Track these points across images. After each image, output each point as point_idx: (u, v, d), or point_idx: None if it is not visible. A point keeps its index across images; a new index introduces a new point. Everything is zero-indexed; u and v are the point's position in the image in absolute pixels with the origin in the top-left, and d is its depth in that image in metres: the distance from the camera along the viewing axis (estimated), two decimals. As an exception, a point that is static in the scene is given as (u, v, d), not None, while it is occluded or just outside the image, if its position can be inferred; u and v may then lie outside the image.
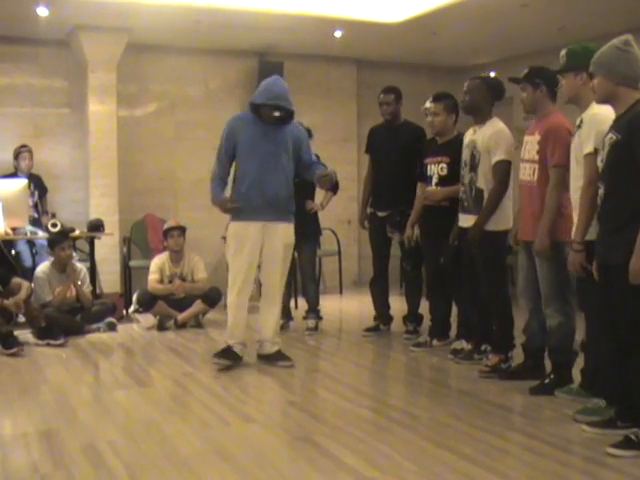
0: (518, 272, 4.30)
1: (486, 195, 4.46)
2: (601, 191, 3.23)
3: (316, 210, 6.00)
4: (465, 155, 4.63)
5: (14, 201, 6.12)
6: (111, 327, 6.07)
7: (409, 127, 5.67)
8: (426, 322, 5.53)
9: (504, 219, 4.44)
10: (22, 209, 6.23)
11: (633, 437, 3.09)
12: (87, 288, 6.18)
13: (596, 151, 3.38)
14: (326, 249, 8.00)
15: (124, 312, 6.61)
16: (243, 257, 4.67)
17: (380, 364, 5.32)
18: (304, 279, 6.09)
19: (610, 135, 3.17)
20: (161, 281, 6.36)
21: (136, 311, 6.67)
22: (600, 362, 3.55)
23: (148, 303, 6.32)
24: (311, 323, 5.99)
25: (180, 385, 4.50)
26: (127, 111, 7.71)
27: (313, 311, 6.05)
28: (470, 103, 4.58)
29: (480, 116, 4.57)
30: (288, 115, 4.66)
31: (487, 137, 4.46)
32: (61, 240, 6.03)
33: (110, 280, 7.19)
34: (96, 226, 6.62)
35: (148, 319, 6.35)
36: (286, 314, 6.00)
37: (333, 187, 6.02)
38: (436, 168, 5.01)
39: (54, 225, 6.28)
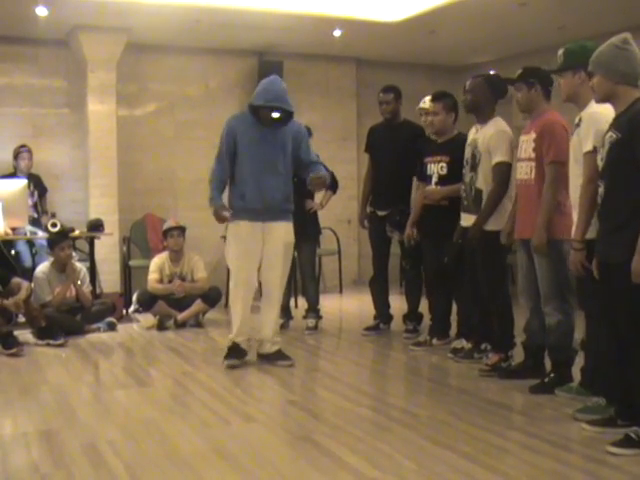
0: (518, 271, 4.30)
1: (485, 195, 4.46)
2: (601, 189, 3.23)
3: (316, 209, 6.00)
4: (467, 154, 4.62)
5: (14, 201, 6.12)
6: (111, 327, 6.07)
7: (409, 126, 5.67)
8: (426, 321, 5.53)
9: (504, 219, 4.43)
10: (22, 209, 6.23)
11: (633, 435, 3.09)
12: (87, 288, 6.18)
13: (595, 149, 3.38)
14: (326, 248, 8.01)
15: (124, 312, 6.61)
16: (244, 257, 4.67)
17: (380, 363, 5.33)
18: (304, 278, 6.09)
19: (610, 133, 3.17)
20: (161, 281, 6.37)
21: (136, 311, 6.67)
22: (600, 361, 3.55)
23: (148, 303, 6.32)
24: (311, 322, 5.99)
25: (180, 384, 4.50)
26: (127, 111, 7.71)
27: (313, 310, 6.05)
28: (472, 102, 4.58)
29: (482, 115, 4.56)
30: (287, 116, 4.66)
31: (488, 137, 4.46)
32: (61, 240, 6.03)
33: (110, 280, 7.19)
34: (96, 226, 6.62)
35: (148, 319, 6.35)
36: (286, 313, 6.00)
37: (332, 186, 6.04)
38: (436, 167, 5.01)
39: (54, 225, 6.28)
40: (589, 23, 6.52)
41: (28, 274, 6.09)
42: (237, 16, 6.64)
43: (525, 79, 4.08)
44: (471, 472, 2.94)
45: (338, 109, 8.65)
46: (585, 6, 6.29)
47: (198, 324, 6.27)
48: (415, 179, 5.41)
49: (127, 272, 7.23)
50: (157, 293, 6.30)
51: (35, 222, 6.66)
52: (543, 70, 4.04)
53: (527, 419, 3.71)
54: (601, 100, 3.31)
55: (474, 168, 4.53)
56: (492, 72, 5.98)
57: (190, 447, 3.29)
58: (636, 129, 3.06)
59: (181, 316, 6.20)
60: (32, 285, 5.76)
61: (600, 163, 3.25)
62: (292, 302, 6.45)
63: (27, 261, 6.56)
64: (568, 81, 3.70)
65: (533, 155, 4.02)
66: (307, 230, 5.83)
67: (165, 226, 6.57)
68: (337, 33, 7.31)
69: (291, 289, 6.26)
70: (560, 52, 3.73)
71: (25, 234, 6.34)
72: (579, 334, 3.99)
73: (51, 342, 5.46)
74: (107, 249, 7.08)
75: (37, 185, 7.00)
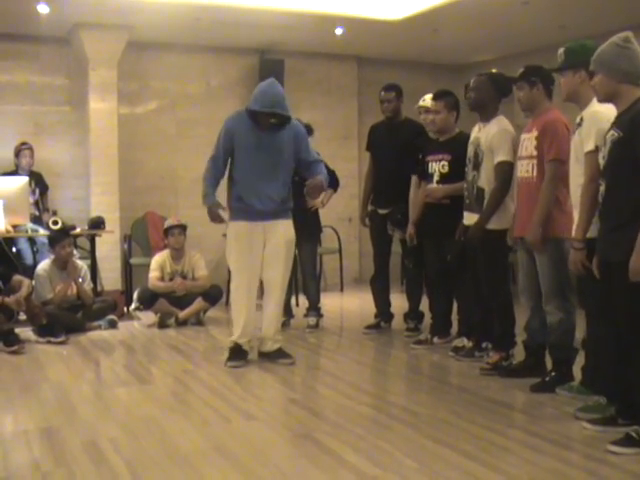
0: (518, 270, 4.30)
1: (487, 194, 4.46)
2: (602, 188, 3.22)
3: (317, 208, 6.00)
4: (469, 152, 4.61)
5: (15, 199, 6.13)
6: (112, 324, 6.07)
7: (410, 124, 5.66)
8: (427, 320, 5.53)
9: (506, 218, 4.43)
10: (23, 207, 6.24)
11: (634, 434, 3.08)
12: (88, 286, 6.18)
13: (597, 149, 3.38)
14: (327, 247, 8.01)
15: (125, 310, 6.61)
16: (245, 257, 4.67)
17: (381, 361, 5.33)
18: (305, 277, 6.09)
19: (612, 132, 3.16)
20: (162, 279, 6.37)
21: (137, 309, 6.67)
22: (600, 360, 3.55)
23: (149, 301, 6.33)
24: (312, 321, 5.99)
25: (181, 382, 4.50)
26: (128, 109, 7.71)
27: (314, 309, 6.05)
28: (476, 100, 4.56)
29: (485, 113, 4.55)
30: (284, 121, 4.63)
31: (491, 136, 4.45)
32: (61, 238, 6.03)
33: (111, 278, 7.20)
34: (97, 224, 6.62)
35: (149, 316, 6.35)
36: (287, 311, 6.00)
37: (334, 184, 6.04)
38: (437, 166, 5.01)
39: (55, 223, 6.29)
40: (590, 22, 6.51)
41: (29, 272, 6.09)
42: (238, 14, 6.64)
43: (527, 78, 4.08)
44: (472, 470, 2.94)
45: (339, 107, 8.65)
46: (586, 5, 6.29)
47: (199, 322, 6.27)
48: (413, 177, 5.39)
49: (128, 270, 7.23)
50: (158, 291, 6.30)
51: (36, 220, 6.67)
52: (545, 69, 4.04)
53: (528, 418, 3.71)
54: (603, 99, 3.31)
55: (476, 167, 4.52)
56: (494, 71, 5.97)
57: (191, 445, 3.29)
58: (638, 128, 3.05)
59: (182, 314, 6.20)
60: (33, 283, 5.77)
61: (601, 162, 3.24)
62: (293, 300, 6.45)
63: (28, 259, 6.56)
64: (568, 80, 3.70)
65: (535, 153, 4.02)
66: (308, 228, 5.83)
67: (166, 224, 6.57)
68: (339, 31, 7.31)
69: (292, 287, 6.26)
70: (560, 51, 3.73)
71: (26, 232, 6.34)
72: (580, 333, 3.99)
73: (52, 340, 5.46)
74: (108, 247, 7.09)
75: (38, 183, 7.00)
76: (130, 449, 3.24)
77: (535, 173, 4.02)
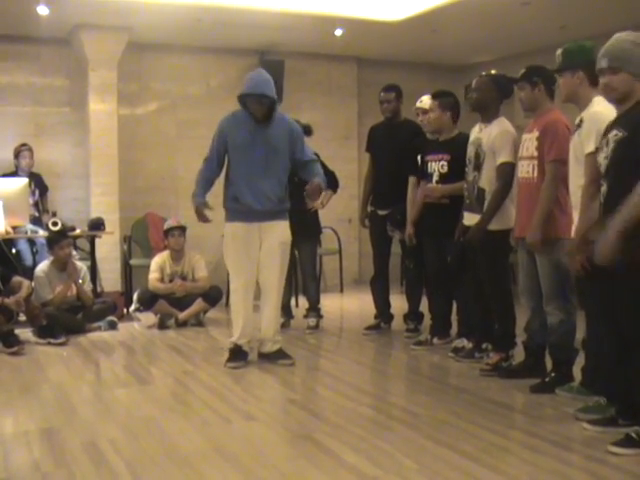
0: (519, 270, 4.30)
1: (488, 195, 4.46)
2: (604, 188, 3.19)
3: (316, 208, 6.00)
4: (470, 153, 4.61)
5: (15, 200, 6.13)
6: (112, 326, 6.07)
7: (409, 125, 5.67)
8: (427, 320, 5.53)
9: (506, 218, 4.43)
10: (23, 208, 6.24)
11: (634, 435, 3.08)
12: (87, 287, 6.18)
13: (597, 150, 3.37)
14: (327, 247, 8.01)
15: (125, 311, 6.61)
16: (242, 259, 4.68)
17: (381, 362, 5.33)
18: (305, 277, 6.09)
19: (615, 132, 3.13)
20: (162, 280, 6.37)
21: (137, 310, 6.67)
22: (600, 360, 3.55)
23: (149, 302, 6.33)
24: (312, 321, 5.99)
25: (181, 383, 4.50)
26: (128, 110, 7.71)
27: (314, 309, 6.05)
28: (477, 101, 4.57)
29: (487, 114, 4.55)
30: (270, 103, 4.60)
31: (493, 137, 4.45)
32: (60, 239, 6.02)
33: (111, 279, 7.19)
34: (97, 225, 6.62)
35: (149, 318, 6.35)
36: (287, 312, 6.01)
37: (333, 185, 6.04)
38: (437, 166, 5.01)
39: (55, 224, 6.29)
40: (591, 22, 6.51)
41: (29, 273, 6.09)
42: (238, 15, 6.64)
43: (529, 78, 4.07)
44: (472, 471, 2.94)
45: (339, 108, 8.65)
46: (587, 5, 6.29)
47: (199, 323, 6.27)
48: (410, 177, 5.38)
49: (128, 271, 7.23)
50: (158, 292, 6.30)
51: (36, 221, 6.67)
52: (547, 69, 4.02)
53: (528, 418, 3.71)
54: (621, 98, 3.20)
55: (477, 167, 4.52)
56: (493, 72, 5.97)
57: (190, 445, 3.29)
58: None
59: (182, 315, 6.20)
60: (33, 284, 5.77)
61: (604, 162, 3.22)
62: (293, 301, 6.45)
63: (28, 260, 6.55)
64: (567, 81, 3.69)
65: (535, 154, 4.01)
66: (308, 229, 5.84)
67: (166, 226, 6.57)
68: (338, 32, 7.31)
69: (292, 288, 6.26)
70: (559, 52, 3.72)
71: (26, 233, 6.34)
72: (580, 334, 3.99)
73: (52, 341, 5.46)
74: (108, 248, 7.09)
75: (38, 184, 7.00)
76: (130, 450, 3.24)
77: (536, 174, 4.02)
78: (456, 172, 4.81)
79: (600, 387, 3.58)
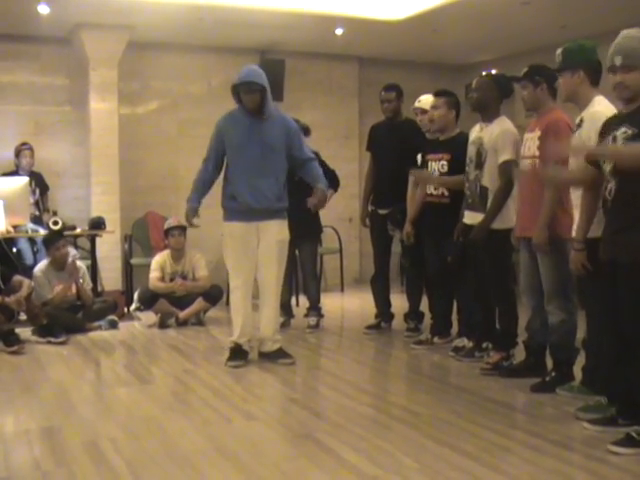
0: (520, 270, 4.29)
1: (491, 193, 4.45)
2: (611, 185, 3.14)
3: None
4: (470, 152, 4.61)
5: (15, 199, 6.13)
6: (112, 325, 6.07)
7: (410, 124, 5.66)
8: (427, 320, 5.53)
9: (509, 217, 4.42)
10: (23, 207, 6.24)
11: (634, 435, 3.08)
12: (87, 285, 6.18)
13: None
14: (327, 247, 8.01)
15: (125, 310, 6.61)
16: (241, 258, 4.68)
17: (381, 362, 5.33)
18: (305, 277, 6.09)
19: (624, 129, 3.10)
20: (162, 279, 6.37)
21: (137, 309, 6.66)
22: (601, 359, 3.55)
23: (149, 301, 6.33)
24: (312, 321, 5.99)
25: (181, 382, 4.50)
26: (129, 109, 7.71)
27: (314, 309, 6.05)
28: (478, 100, 4.56)
29: (488, 114, 4.54)
30: (261, 91, 4.60)
31: (494, 136, 4.45)
32: (55, 240, 6.01)
33: (111, 278, 7.19)
34: (97, 224, 6.62)
35: (149, 317, 6.35)
36: (287, 312, 6.01)
37: (334, 184, 6.04)
38: (437, 165, 5.01)
39: (55, 223, 6.29)
40: (591, 22, 6.51)
41: (29, 272, 6.08)
42: (239, 14, 6.64)
43: (531, 77, 4.06)
44: (472, 470, 2.94)
45: (340, 107, 8.65)
46: (587, 5, 6.28)
47: (199, 322, 6.27)
48: (410, 177, 5.38)
49: (129, 270, 7.23)
50: (158, 291, 6.30)
51: (37, 220, 6.67)
52: (549, 68, 4.01)
53: (528, 418, 3.72)
54: (633, 96, 3.16)
55: (479, 166, 4.51)
56: (494, 71, 5.97)
57: (191, 445, 3.29)
58: None
59: (182, 314, 6.20)
60: (32, 283, 5.77)
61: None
62: (293, 300, 6.45)
63: (29, 259, 6.55)
64: (567, 81, 3.68)
65: (537, 153, 4.00)
66: (308, 228, 5.84)
67: (166, 225, 6.57)
68: (339, 31, 7.31)
69: (292, 287, 6.26)
70: (558, 52, 3.71)
71: (26, 232, 6.34)
72: (580, 333, 3.99)
73: (52, 340, 5.46)
74: (109, 247, 7.09)
75: (39, 183, 7.00)
76: (130, 449, 3.25)
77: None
78: (456, 171, 4.80)
79: (600, 386, 3.58)
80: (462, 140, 4.81)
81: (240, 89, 4.62)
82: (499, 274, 4.49)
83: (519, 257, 4.28)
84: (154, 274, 6.35)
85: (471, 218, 4.58)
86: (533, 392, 4.01)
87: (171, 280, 6.36)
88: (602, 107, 3.46)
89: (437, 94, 5.07)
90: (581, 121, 3.59)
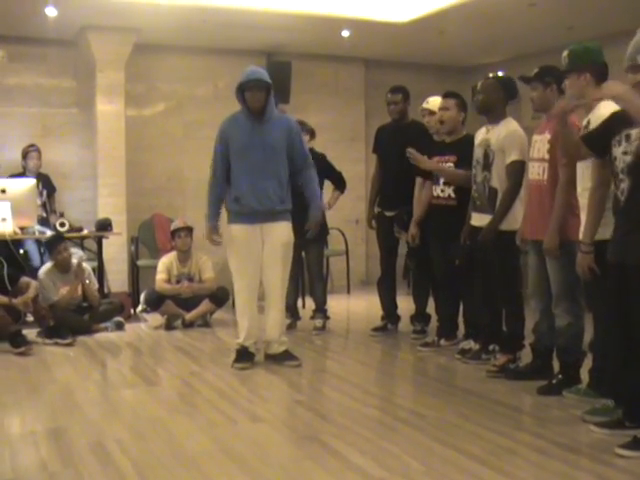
0: (528, 272, 4.28)
1: (500, 194, 4.44)
2: (624, 185, 3.10)
3: (324, 210, 5.99)
4: (477, 154, 4.60)
5: (23, 200, 6.14)
6: (119, 326, 6.08)
7: (416, 126, 5.65)
8: (434, 322, 5.52)
9: (516, 219, 4.41)
10: (30, 208, 6.25)
11: (642, 438, 3.07)
12: (93, 287, 6.18)
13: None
14: (334, 249, 8.01)
15: (132, 311, 6.62)
16: (245, 261, 4.69)
17: (387, 364, 5.32)
18: (311, 278, 6.09)
19: (639, 130, 3.06)
20: (169, 281, 6.38)
21: (144, 310, 6.68)
22: (608, 362, 3.54)
23: (156, 303, 6.34)
24: (318, 323, 5.99)
25: (187, 384, 4.50)
26: (135, 111, 7.73)
27: (320, 310, 6.05)
28: (484, 102, 4.55)
29: (494, 115, 4.54)
30: (267, 89, 4.62)
31: (502, 137, 4.44)
32: (56, 243, 6.01)
33: (118, 279, 7.21)
34: (104, 225, 6.64)
35: (156, 318, 6.36)
36: (293, 314, 6.01)
37: (340, 186, 6.04)
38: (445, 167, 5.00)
39: (62, 224, 6.31)
40: (598, 23, 6.50)
41: (36, 273, 6.09)
42: (245, 16, 6.65)
43: (541, 78, 4.04)
44: (479, 473, 2.93)
45: (346, 109, 8.65)
46: (594, 6, 6.26)
47: (206, 324, 6.28)
48: (417, 178, 5.37)
49: (135, 272, 7.25)
50: (165, 293, 6.31)
51: (44, 221, 6.68)
52: (559, 69, 4.00)
53: (535, 420, 3.71)
54: None
55: (487, 167, 4.50)
56: (500, 73, 5.96)
57: (197, 446, 3.30)
58: None
59: (189, 316, 6.21)
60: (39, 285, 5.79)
61: (622, 157, 3.12)
62: (299, 302, 6.45)
63: (36, 260, 6.58)
64: (573, 82, 3.67)
65: (547, 156, 3.98)
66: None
67: (173, 226, 6.58)
68: (345, 33, 7.31)
69: (298, 289, 6.26)
70: (564, 54, 3.71)
71: (34, 233, 6.36)
72: (587, 335, 3.97)
73: (59, 341, 5.47)
74: (115, 249, 7.10)
75: (46, 184, 7.03)
76: (137, 450, 3.25)
77: (546, 176, 3.99)
78: (462, 173, 4.81)
79: (607, 389, 3.56)
80: (468, 142, 4.80)
81: (247, 87, 4.63)
82: (506, 276, 4.48)
83: (527, 259, 4.27)
84: (160, 276, 6.36)
85: (479, 220, 4.57)
86: (540, 395, 4.00)
87: (177, 282, 6.37)
88: (609, 110, 3.44)
89: (447, 95, 5.06)
90: (588, 123, 3.58)
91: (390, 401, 4.17)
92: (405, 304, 5.97)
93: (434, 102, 5.30)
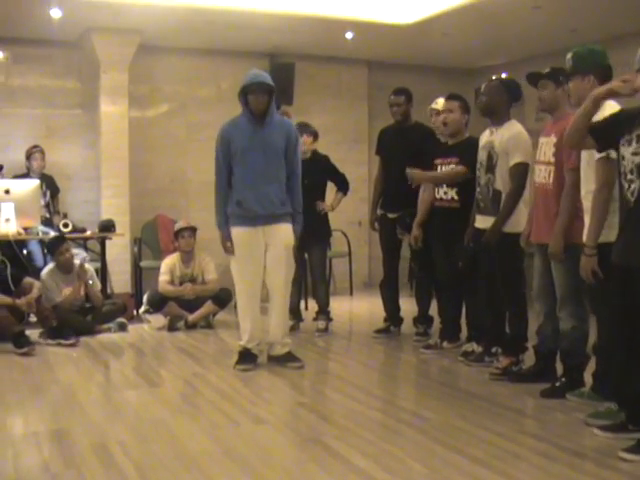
0: (533, 275, 4.26)
1: (504, 197, 4.44)
2: (635, 185, 3.07)
3: (326, 211, 6.00)
4: (481, 156, 4.59)
5: (26, 201, 6.15)
6: (122, 327, 6.09)
7: (419, 128, 5.65)
8: (437, 324, 5.51)
9: (519, 221, 4.40)
10: (34, 209, 6.26)
11: (645, 441, 3.06)
12: (96, 287, 6.19)
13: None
14: (336, 250, 8.00)
15: (135, 312, 6.63)
16: (247, 263, 4.69)
17: (390, 366, 5.32)
18: (314, 280, 6.09)
19: None
20: (172, 282, 6.38)
21: (147, 311, 6.68)
22: (611, 365, 3.53)
23: (159, 304, 6.34)
24: (321, 324, 5.99)
25: (190, 385, 4.50)
26: (139, 112, 7.74)
27: (323, 312, 6.05)
28: (488, 104, 4.55)
29: (497, 118, 4.53)
30: (270, 92, 4.62)
31: (505, 139, 4.43)
32: (58, 245, 6.02)
33: (121, 280, 7.21)
34: (107, 226, 6.64)
35: (159, 319, 6.37)
36: (296, 315, 6.00)
37: (343, 188, 6.04)
38: (446, 169, 5.00)
39: (65, 225, 6.32)
40: (602, 26, 6.50)
41: (40, 274, 6.11)
42: (249, 18, 6.65)
43: (554, 76, 4.00)
44: (481, 476, 2.92)
45: (350, 111, 8.65)
46: (598, 9, 6.26)
47: (208, 325, 6.27)
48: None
49: (138, 273, 7.25)
50: (168, 295, 6.31)
51: (47, 222, 6.70)
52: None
53: (538, 423, 3.70)
54: None
55: (491, 169, 4.49)
56: (504, 75, 5.95)
57: (199, 448, 3.29)
58: None
59: (192, 317, 6.21)
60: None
61: (631, 157, 3.09)
62: (302, 304, 6.45)
63: (39, 261, 6.58)
64: (577, 85, 3.67)
65: (553, 160, 3.97)
66: (318, 232, 5.83)
67: (176, 227, 6.58)
68: (349, 35, 7.31)
69: (301, 291, 6.26)
70: (569, 56, 3.70)
71: (37, 234, 6.37)
72: (591, 338, 3.96)
73: (62, 342, 5.48)
74: (118, 250, 7.10)
75: (49, 185, 7.03)
76: (139, 452, 3.25)
77: (552, 180, 3.98)
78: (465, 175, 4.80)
79: (611, 392, 3.55)
80: (471, 144, 4.81)
81: (250, 90, 4.63)
82: (510, 277, 4.48)
83: (531, 262, 4.25)
84: (163, 277, 6.36)
85: (483, 222, 4.56)
86: (543, 397, 4.00)
87: (180, 283, 6.37)
88: (613, 112, 3.43)
89: (450, 97, 5.05)
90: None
91: (393, 403, 4.16)
92: (408, 306, 5.96)
93: (443, 103, 5.29)
